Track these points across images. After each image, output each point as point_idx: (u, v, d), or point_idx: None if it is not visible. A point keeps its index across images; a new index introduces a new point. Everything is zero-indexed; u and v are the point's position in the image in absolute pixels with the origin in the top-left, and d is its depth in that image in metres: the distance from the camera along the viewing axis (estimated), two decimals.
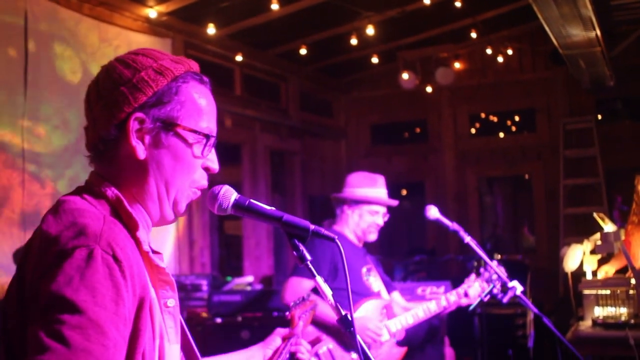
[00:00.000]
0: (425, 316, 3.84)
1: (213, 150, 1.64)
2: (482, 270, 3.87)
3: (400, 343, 3.84)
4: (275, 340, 2.15)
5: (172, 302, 1.55)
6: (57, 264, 1.33)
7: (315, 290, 1.76)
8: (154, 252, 1.58)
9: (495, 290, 3.76)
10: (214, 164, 1.64)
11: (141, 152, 1.54)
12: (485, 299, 3.80)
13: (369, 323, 3.69)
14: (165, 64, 1.57)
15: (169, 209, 1.60)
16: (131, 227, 1.50)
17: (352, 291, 3.57)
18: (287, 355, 2.15)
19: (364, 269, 3.92)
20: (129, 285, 1.38)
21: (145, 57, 1.58)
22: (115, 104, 1.53)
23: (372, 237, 3.99)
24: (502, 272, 3.70)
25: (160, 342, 1.49)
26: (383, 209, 3.99)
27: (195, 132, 1.58)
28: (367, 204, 3.94)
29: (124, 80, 1.54)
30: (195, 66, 1.64)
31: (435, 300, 3.87)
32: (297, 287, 3.67)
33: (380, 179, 4.04)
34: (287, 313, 2.29)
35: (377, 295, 3.89)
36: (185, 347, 1.69)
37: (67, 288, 1.30)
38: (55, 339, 1.26)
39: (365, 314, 3.76)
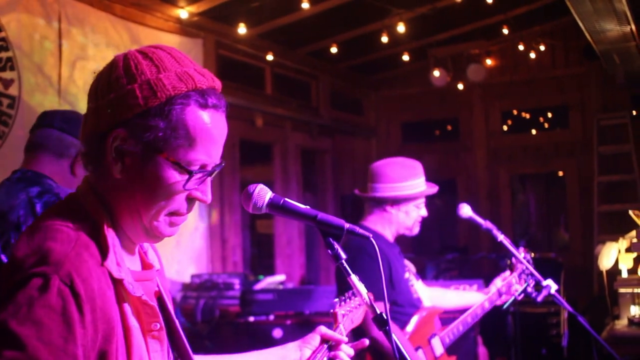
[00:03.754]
0: (473, 322, 3.63)
1: (208, 180, 1.49)
2: (514, 261, 3.70)
3: (448, 350, 3.59)
4: (315, 339, 1.94)
5: (157, 325, 1.47)
6: (13, 292, 1.27)
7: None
8: (147, 266, 1.53)
9: (529, 289, 3.69)
10: (204, 196, 1.49)
11: (117, 172, 1.44)
12: (519, 298, 3.72)
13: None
14: (163, 79, 1.41)
15: (149, 232, 1.48)
16: (104, 251, 1.39)
17: (406, 304, 3.50)
18: (325, 359, 1.92)
19: (407, 274, 3.64)
20: (87, 321, 1.29)
21: (148, 64, 1.43)
22: (116, 108, 1.41)
23: (417, 229, 3.68)
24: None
25: None
26: (424, 198, 3.69)
27: (178, 164, 1.42)
28: (414, 200, 3.61)
29: (118, 85, 1.43)
30: (206, 82, 1.45)
31: (480, 305, 3.64)
32: None
33: (418, 166, 3.69)
34: (331, 310, 2.02)
35: (421, 303, 3.65)
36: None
37: (12, 320, 1.24)
38: None
39: (414, 328, 3.49)
